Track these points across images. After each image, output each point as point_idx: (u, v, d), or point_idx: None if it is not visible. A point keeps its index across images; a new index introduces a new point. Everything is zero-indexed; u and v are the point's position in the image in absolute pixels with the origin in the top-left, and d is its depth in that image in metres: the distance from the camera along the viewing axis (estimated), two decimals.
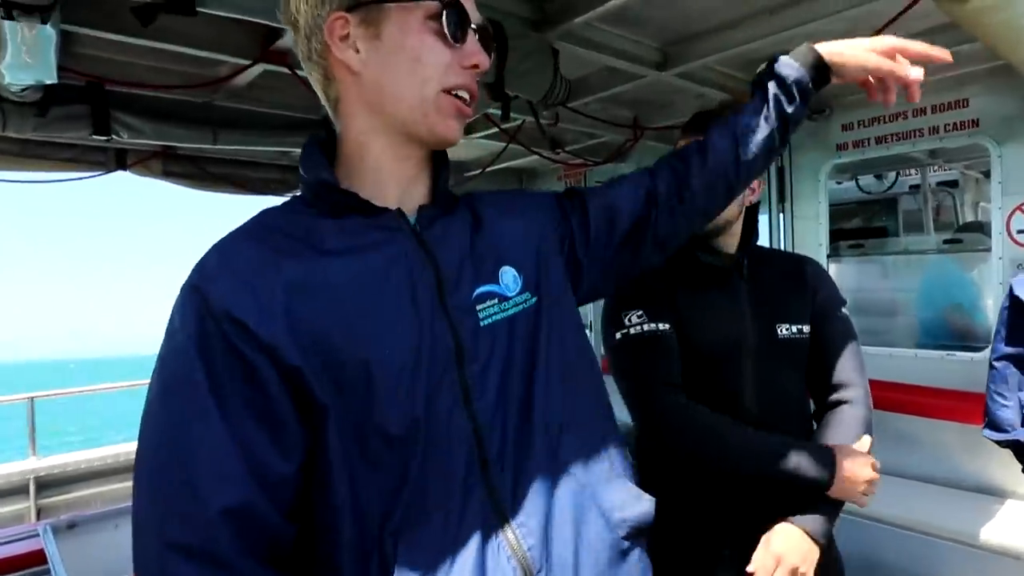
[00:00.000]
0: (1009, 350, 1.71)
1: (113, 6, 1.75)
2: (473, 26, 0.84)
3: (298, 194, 0.90)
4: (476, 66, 0.84)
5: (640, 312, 1.44)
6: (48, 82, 1.77)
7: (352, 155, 0.86)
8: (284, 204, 0.87)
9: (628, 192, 1.06)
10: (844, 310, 1.58)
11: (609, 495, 0.86)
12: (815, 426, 1.53)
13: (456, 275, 0.84)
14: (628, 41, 2.47)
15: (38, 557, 2.35)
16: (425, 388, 0.77)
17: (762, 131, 1.03)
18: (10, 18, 1.45)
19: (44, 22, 1.52)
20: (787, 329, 1.50)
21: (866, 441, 1.39)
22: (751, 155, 1.04)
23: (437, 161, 0.92)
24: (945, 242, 3.56)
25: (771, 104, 1.02)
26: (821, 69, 1.03)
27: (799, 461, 1.29)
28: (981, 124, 2.80)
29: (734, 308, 1.51)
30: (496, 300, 0.86)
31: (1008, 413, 1.71)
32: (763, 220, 3.58)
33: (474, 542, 0.75)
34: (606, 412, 0.95)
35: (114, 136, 2.53)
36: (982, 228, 4.05)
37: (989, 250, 2.85)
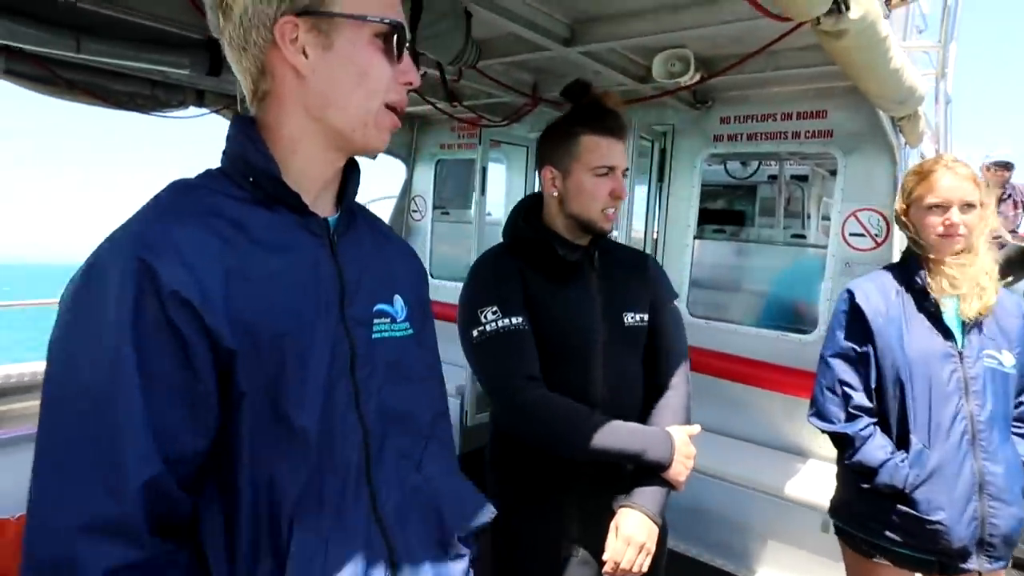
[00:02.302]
0: (842, 348, 1.81)
1: None
2: (407, 45, 0.88)
3: (216, 170, 0.88)
4: (411, 83, 0.89)
5: (494, 308, 1.48)
6: None
7: (280, 151, 0.86)
8: (204, 181, 0.86)
9: None
10: (675, 303, 1.72)
11: (453, 503, 0.99)
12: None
13: (355, 289, 0.90)
14: (540, 13, 2.49)
15: None
16: (326, 387, 0.83)
17: None
18: None
19: None
20: (632, 317, 1.60)
21: (695, 429, 1.54)
22: None
23: (348, 167, 0.96)
24: (792, 236, 4.01)
25: None
26: None
27: (645, 445, 1.44)
28: (835, 135, 3.14)
29: (586, 298, 1.58)
30: (388, 320, 0.95)
31: (834, 407, 1.80)
32: (641, 197, 3.82)
33: (360, 535, 0.84)
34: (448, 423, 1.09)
35: None
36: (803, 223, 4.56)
37: (826, 247, 3.24)
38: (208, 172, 0.88)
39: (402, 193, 5.07)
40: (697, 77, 2.76)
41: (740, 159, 4.08)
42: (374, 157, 0.96)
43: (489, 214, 4.39)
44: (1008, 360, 1.69)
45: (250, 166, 0.84)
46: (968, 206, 1.68)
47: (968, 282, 1.67)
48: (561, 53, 2.68)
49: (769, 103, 3.33)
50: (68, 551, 0.67)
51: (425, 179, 4.99)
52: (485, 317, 1.48)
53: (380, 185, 6.07)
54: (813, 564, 2.82)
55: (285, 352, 0.79)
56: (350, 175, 0.96)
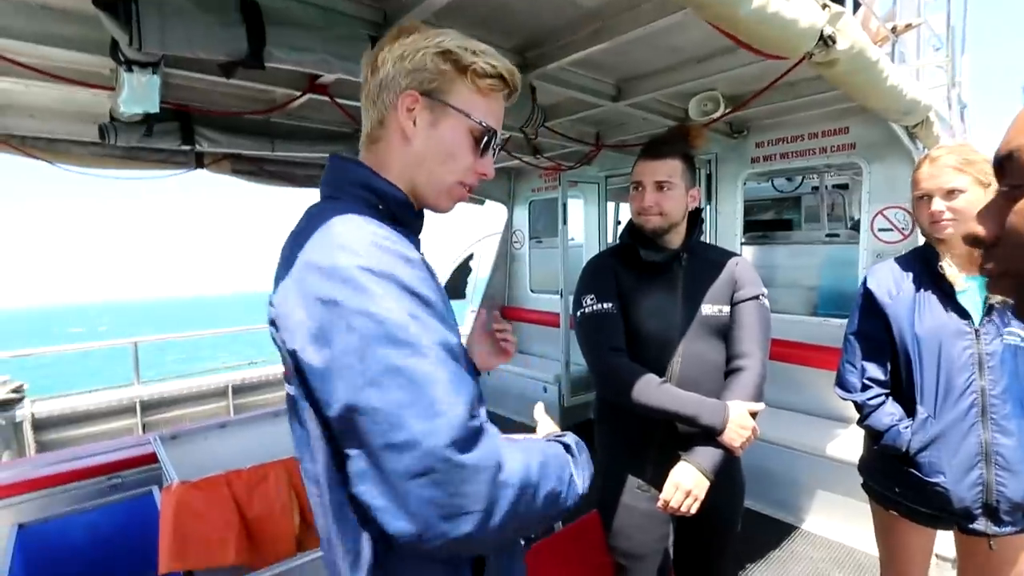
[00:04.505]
0: (858, 327, 1.66)
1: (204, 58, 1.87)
2: (496, 145, 0.88)
3: (338, 199, 0.81)
4: (485, 175, 0.89)
5: (592, 296, 1.53)
6: (152, 111, 1.90)
7: None
8: (364, 211, 0.77)
9: None
10: (763, 298, 1.57)
11: None
12: None
13: None
14: (590, 79, 2.59)
15: (150, 458, 2.58)
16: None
17: None
18: (130, 71, 1.58)
19: (154, 72, 1.65)
20: (710, 308, 1.53)
21: (759, 406, 1.45)
22: None
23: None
24: (827, 235, 3.76)
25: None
26: None
27: (699, 411, 1.41)
28: (857, 147, 2.95)
29: (669, 292, 1.54)
30: None
31: (852, 378, 1.64)
32: None
33: None
34: None
35: (197, 145, 2.66)
36: (850, 227, 4.25)
37: (858, 243, 3.03)
38: (358, 207, 0.79)
39: (505, 229, 5.30)
40: (726, 111, 2.73)
41: (776, 176, 3.90)
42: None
43: (572, 239, 4.48)
44: None
45: (379, 193, 0.82)
46: (951, 192, 1.44)
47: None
48: (612, 107, 2.76)
49: (797, 126, 3.19)
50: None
51: (522, 217, 5.18)
52: (585, 302, 1.54)
53: (487, 225, 6.32)
54: (863, 516, 2.62)
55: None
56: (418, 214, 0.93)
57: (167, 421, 3.98)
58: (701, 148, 1.63)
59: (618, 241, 1.69)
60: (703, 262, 1.60)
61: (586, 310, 1.54)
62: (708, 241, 3.69)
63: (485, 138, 0.85)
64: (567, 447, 0.82)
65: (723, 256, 1.63)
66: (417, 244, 0.87)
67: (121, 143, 2.43)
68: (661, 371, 1.49)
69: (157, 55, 1.56)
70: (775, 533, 2.86)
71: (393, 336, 0.64)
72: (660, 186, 1.52)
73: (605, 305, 1.52)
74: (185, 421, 4.01)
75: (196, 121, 2.57)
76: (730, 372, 1.54)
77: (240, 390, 4.39)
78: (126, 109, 1.87)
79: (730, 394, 1.47)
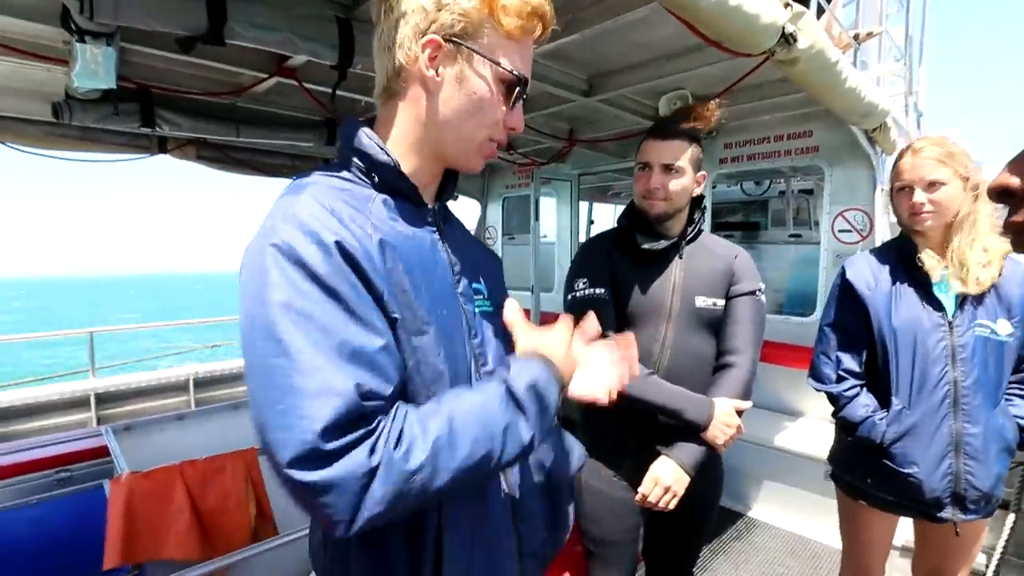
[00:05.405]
0: (835, 319, 1.64)
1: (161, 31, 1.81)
2: (524, 97, 0.81)
3: (337, 164, 0.79)
4: (515, 129, 0.82)
5: (585, 279, 1.49)
6: (109, 87, 1.82)
7: (395, 148, 0.79)
8: (337, 174, 0.77)
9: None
10: (759, 294, 1.52)
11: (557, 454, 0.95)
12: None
13: (459, 269, 0.84)
14: (562, 73, 2.60)
15: (102, 451, 2.48)
16: (461, 348, 0.79)
17: None
18: (82, 41, 1.52)
19: (108, 44, 1.59)
20: (704, 301, 1.48)
21: (746, 404, 1.43)
22: None
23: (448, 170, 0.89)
24: (790, 236, 3.86)
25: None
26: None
27: (684, 405, 1.38)
28: (820, 150, 3.03)
29: (664, 281, 1.49)
30: (482, 296, 0.88)
31: (827, 369, 1.63)
32: None
33: None
34: None
35: (157, 128, 2.57)
36: (811, 228, 4.35)
37: (819, 243, 3.11)
38: (333, 167, 0.79)
39: (478, 225, 5.27)
40: None
41: (744, 178, 3.98)
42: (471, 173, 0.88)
43: (544, 236, 4.49)
44: (1004, 329, 1.45)
45: (373, 162, 0.77)
46: (932, 184, 1.44)
47: (959, 257, 1.45)
48: (584, 103, 2.77)
49: (763, 129, 3.25)
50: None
51: (495, 213, 5.16)
52: (577, 286, 1.49)
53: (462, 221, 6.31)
54: (818, 507, 2.69)
55: (431, 319, 0.76)
56: (448, 175, 0.88)
57: (124, 416, 3.83)
58: (710, 125, 1.49)
59: (617, 222, 1.62)
60: (702, 252, 1.54)
61: (577, 294, 1.49)
62: None
63: (516, 88, 0.78)
64: (516, 401, 0.72)
65: (723, 247, 1.58)
66: (424, 215, 0.81)
67: (76, 122, 2.33)
68: (648, 361, 1.45)
69: (112, 25, 1.49)
70: (734, 525, 2.91)
71: (270, 329, 0.61)
72: (668, 168, 1.45)
73: (597, 291, 1.47)
74: (143, 416, 3.87)
75: (157, 102, 2.48)
76: (719, 367, 1.50)
77: (202, 384, 4.26)
78: (80, 84, 1.79)
79: (718, 390, 1.44)
